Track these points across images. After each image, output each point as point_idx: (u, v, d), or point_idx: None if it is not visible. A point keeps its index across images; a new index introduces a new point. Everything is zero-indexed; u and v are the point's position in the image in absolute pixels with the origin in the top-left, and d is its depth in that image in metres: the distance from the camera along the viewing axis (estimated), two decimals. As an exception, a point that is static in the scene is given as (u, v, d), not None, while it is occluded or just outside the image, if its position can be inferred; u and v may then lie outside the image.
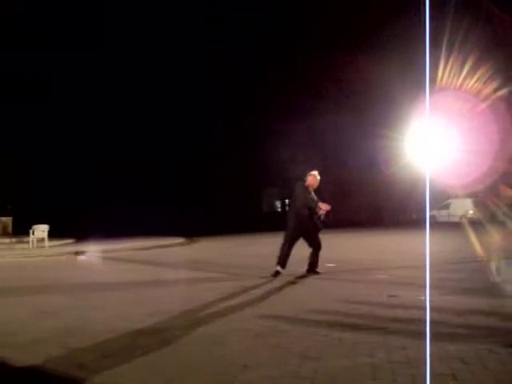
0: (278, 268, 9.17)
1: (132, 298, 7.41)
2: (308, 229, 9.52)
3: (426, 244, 8.07)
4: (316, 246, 9.56)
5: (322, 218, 9.64)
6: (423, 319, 4.76)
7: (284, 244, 9.45)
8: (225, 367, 3.83)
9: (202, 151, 41.67)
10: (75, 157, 42.28)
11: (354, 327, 4.98)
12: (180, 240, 23.80)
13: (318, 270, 9.50)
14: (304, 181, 9.78)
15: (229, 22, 39.66)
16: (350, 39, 35.55)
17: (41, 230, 21.00)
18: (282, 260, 9.26)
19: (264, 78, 38.68)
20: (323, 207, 9.48)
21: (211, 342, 4.63)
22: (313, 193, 9.67)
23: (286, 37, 38.41)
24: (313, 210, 9.44)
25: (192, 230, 27.69)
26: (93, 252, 17.62)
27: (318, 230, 9.64)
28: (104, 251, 18.41)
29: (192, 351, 4.34)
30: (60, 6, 38.03)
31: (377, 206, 40.53)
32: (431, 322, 4.74)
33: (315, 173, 9.88)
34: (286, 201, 49.99)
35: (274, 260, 9.18)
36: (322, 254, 9.59)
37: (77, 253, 17.69)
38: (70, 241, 24.42)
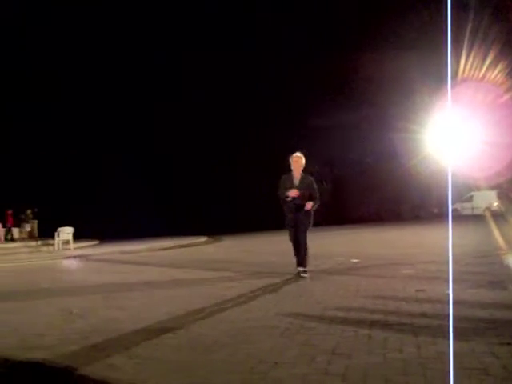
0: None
1: (156, 298, 7.43)
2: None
3: (449, 237, 7.94)
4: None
5: (294, 202, 8.67)
6: (451, 314, 4.71)
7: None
8: (254, 365, 3.81)
9: (230, 150, 41.75)
10: (95, 159, 42.62)
11: (383, 323, 4.93)
12: (203, 239, 23.91)
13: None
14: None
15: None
16: (371, 32, 35.32)
17: (66, 233, 21.26)
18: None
19: (286, 75, 38.66)
20: (291, 194, 8.62)
21: (238, 339, 4.62)
22: (294, 178, 8.83)
23: (307, 34, 38.38)
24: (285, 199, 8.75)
25: (216, 228, 27.82)
26: (112, 253, 17.78)
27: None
28: (126, 252, 18.59)
29: (219, 349, 4.33)
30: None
31: (398, 200, 40.27)
32: (458, 317, 4.69)
33: (295, 154, 9.03)
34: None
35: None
36: (347, 249, 9.53)
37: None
38: (94, 242, 24.69)
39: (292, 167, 8.91)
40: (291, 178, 8.84)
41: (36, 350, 4.56)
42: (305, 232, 8.74)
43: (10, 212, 28.28)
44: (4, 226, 27.97)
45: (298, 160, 8.90)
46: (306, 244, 8.70)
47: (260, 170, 39.89)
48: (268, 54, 38.56)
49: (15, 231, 29.33)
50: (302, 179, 8.83)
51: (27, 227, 28.99)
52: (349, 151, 39.90)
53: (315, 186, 8.86)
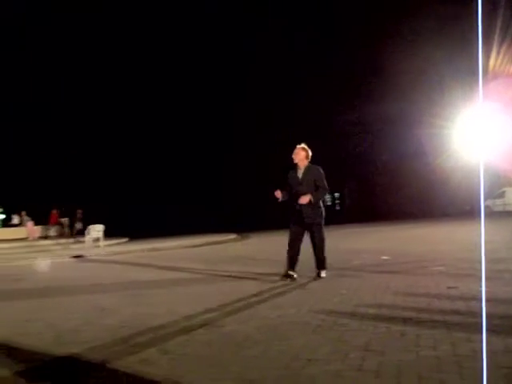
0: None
1: (186, 295, 7.49)
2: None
3: (482, 234, 7.84)
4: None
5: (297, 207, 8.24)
6: (484, 311, 4.65)
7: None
8: (288, 361, 3.81)
9: (256, 148, 42.01)
10: (126, 159, 43.27)
11: (415, 320, 4.89)
12: (232, 236, 24.00)
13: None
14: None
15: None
16: (401, 26, 35.04)
17: (96, 230, 21.56)
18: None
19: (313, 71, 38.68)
20: (301, 201, 8.10)
21: (270, 336, 4.63)
22: (298, 171, 8.42)
23: (333, 27, 38.34)
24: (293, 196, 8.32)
25: (245, 225, 27.93)
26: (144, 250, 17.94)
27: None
28: (156, 249, 18.75)
29: (252, 345, 4.34)
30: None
31: (428, 197, 39.86)
32: (492, 314, 4.64)
33: (297, 147, 8.53)
34: (336, 195, 49.77)
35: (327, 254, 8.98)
36: (377, 246, 9.45)
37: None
38: (123, 240, 24.97)
39: (295, 161, 8.45)
40: (295, 173, 8.44)
41: (71, 345, 4.64)
42: (320, 232, 8.40)
43: (55, 212, 28.78)
44: (45, 224, 28.60)
45: (298, 152, 8.43)
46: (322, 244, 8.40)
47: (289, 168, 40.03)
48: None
49: (52, 229, 29.86)
50: (306, 171, 8.36)
51: (78, 225, 29.16)
52: (378, 148, 39.66)
53: (322, 175, 8.32)
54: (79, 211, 29.65)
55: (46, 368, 4.10)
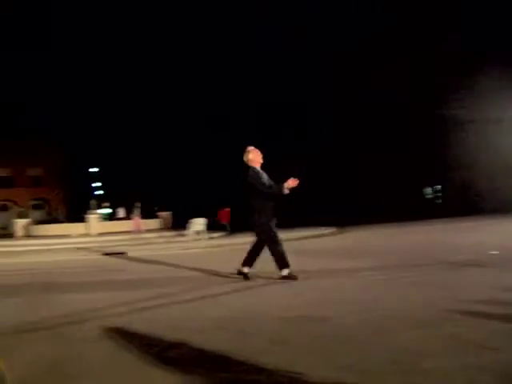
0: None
1: (289, 287, 7.55)
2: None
3: None
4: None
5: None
6: None
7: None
8: (399, 355, 3.79)
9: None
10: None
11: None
12: (331, 230, 23.90)
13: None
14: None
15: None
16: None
17: (198, 224, 22.12)
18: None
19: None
20: (291, 183, 7.86)
21: (381, 329, 4.61)
22: (262, 173, 8.29)
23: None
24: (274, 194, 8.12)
25: (344, 220, 27.87)
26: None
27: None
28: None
29: (363, 339, 4.35)
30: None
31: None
32: None
33: (251, 148, 8.47)
34: (439, 187, 48.35)
35: (426, 248, 8.79)
36: (482, 240, 9.08)
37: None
38: (224, 233, 25.47)
39: (255, 160, 8.39)
40: (257, 173, 8.25)
41: (185, 333, 4.83)
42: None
43: (226, 209, 28.39)
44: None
45: (258, 153, 8.45)
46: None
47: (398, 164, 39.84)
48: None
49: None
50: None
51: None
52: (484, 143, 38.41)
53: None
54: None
55: (160, 352, 4.29)
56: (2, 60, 51.43)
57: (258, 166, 8.40)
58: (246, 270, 8.53)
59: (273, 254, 8.19)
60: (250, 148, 8.54)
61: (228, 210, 27.61)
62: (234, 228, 27.09)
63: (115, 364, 4.00)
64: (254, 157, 8.42)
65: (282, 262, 8.12)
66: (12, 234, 32.13)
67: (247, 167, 8.43)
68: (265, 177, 8.31)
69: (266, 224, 8.20)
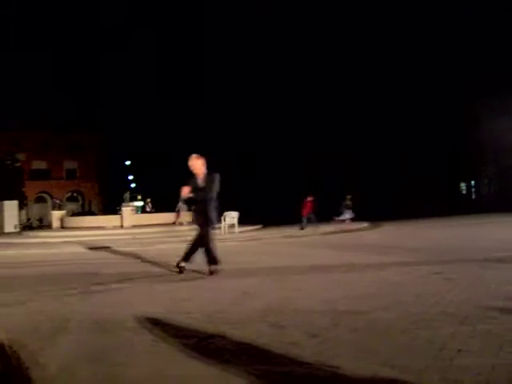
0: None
1: (325, 281, 7.56)
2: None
3: None
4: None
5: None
6: None
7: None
8: (436, 350, 3.78)
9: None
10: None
11: None
12: (364, 224, 23.82)
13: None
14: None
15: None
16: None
17: (231, 217, 22.24)
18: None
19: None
20: (183, 193, 8.90)
21: (416, 324, 4.59)
22: (198, 180, 8.84)
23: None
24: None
25: (378, 215, 27.80)
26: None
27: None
28: (289, 236, 19.05)
29: (398, 333, 4.34)
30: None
31: None
32: None
33: (193, 156, 9.00)
34: (472, 182, 47.66)
35: (461, 244, 8.68)
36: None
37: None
38: (257, 226, 25.56)
39: (194, 171, 8.88)
40: (196, 180, 8.84)
41: (221, 325, 4.90)
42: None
43: (310, 199, 25.06)
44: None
45: (195, 162, 8.89)
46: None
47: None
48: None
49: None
50: (205, 178, 8.80)
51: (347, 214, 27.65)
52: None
53: (215, 180, 8.74)
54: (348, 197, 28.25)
55: (197, 342, 4.36)
56: (42, 56, 52.45)
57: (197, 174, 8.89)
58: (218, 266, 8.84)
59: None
60: (193, 156, 9.02)
61: (310, 199, 24.62)
62: (270, 222, 27.20)
63: (154, 354, 4.08)
64: (191, 165, 8.94)
65: (187, 255, 8.89)
66: (49, 225, 32.78)
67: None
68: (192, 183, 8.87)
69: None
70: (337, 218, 27.16)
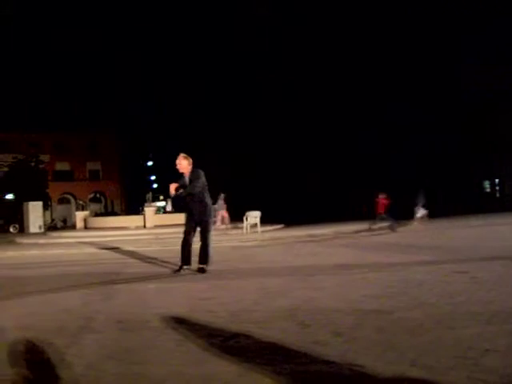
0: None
1: (348, 280, 7.53)
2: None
3: None
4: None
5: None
6: None
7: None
8: (464, 350, 3.74)
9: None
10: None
11: None
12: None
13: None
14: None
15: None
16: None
17: (253, 217, 22.27)
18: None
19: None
20: (171, 189, 9.19)
21: (441, 324, 4.55)
22: (185, 178, 9.20)
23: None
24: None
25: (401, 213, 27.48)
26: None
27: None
28: (312, 235, 19.00)
29: (424, 332, 4.31)
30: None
31: None
32: None
33: (180, 156, 9.35)
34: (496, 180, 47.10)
35: (486, 242, 8.57)
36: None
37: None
38: (279, 226, 25.56)
39: (180, 171, 9.24)
40: (184, 179, 9.20)
41: (245, 324, 4.90)
42: (206, 228, 9.07)
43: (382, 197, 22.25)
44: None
45: (180, 162, 9.21)
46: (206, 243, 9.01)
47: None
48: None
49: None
50: (191, 175, 9.10)
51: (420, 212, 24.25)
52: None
53: (199, 175, 9.00)
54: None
55: (224, 341, 4.37)
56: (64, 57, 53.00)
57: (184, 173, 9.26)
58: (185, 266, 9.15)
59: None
60: (180, 155, 9.35)
61: (384, 197, 22.27)
62: (292, 222, 27.14)
63: (180, 352, 4.10)
64: (177, 163, 9.28)
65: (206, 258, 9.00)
66: (73, 225, 33.14)
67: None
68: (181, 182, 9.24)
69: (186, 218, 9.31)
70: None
